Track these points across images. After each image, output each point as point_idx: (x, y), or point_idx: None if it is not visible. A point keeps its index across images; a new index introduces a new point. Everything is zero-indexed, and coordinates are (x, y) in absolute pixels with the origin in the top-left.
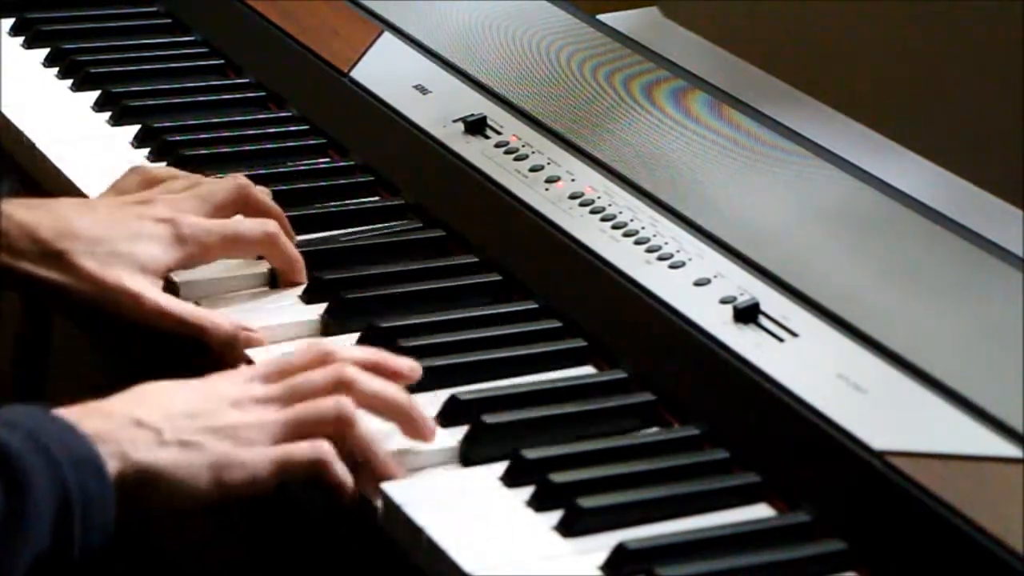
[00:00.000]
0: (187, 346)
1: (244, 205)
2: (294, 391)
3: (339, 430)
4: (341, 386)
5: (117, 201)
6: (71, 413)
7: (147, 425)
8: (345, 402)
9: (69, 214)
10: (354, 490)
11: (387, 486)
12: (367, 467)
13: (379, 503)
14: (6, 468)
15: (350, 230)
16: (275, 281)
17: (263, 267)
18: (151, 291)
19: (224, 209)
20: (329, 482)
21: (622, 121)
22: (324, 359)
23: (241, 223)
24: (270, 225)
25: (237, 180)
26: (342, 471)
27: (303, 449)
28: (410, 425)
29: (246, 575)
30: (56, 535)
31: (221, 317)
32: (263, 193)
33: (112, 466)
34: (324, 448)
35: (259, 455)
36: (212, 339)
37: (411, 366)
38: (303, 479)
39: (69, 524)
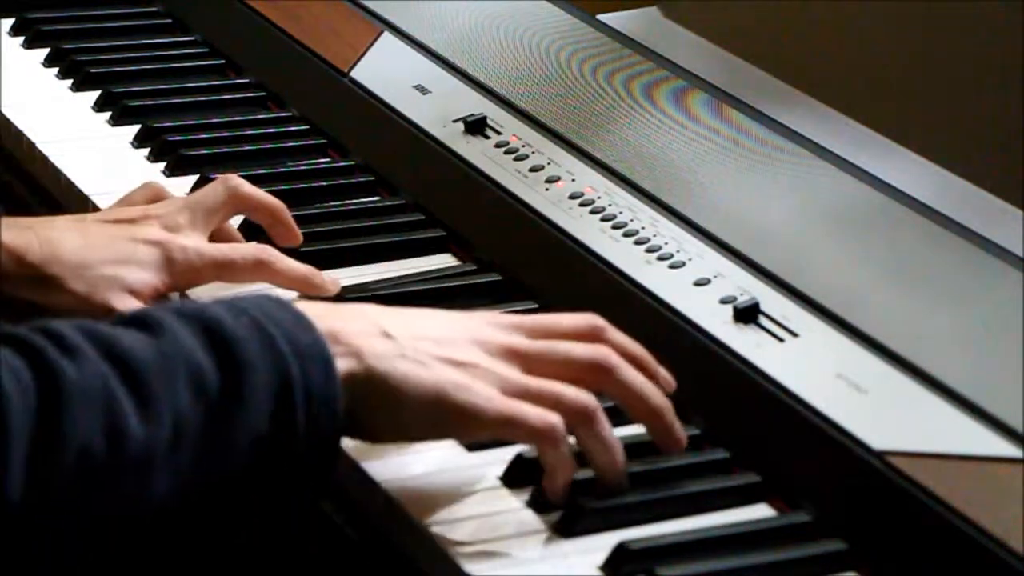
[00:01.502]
0: None
1: (238, 204)
2: (547, 355)
3: (577, 423)
4: (600, 370)
5: (110, 219)
6: (316, 308)
7: (390, 336)
8: (594, 401)
9: (58, 237)
10: (567, 479)
11: (387, 486)
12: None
13: (380, 502)
14: (225, 350)
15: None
16: None
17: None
18: None
19: (217, 215)
20: (549, 459)
21: (622, 121)
22: (594, 333)
23: (235, 250)
24: (265, 253)
25: (226, 181)
26: (562, 458)
27: (538, 416)
28: (662, 431)
29: (245, 574)
30: (276, 423)
31: None
32: (258, 191)
33: (343, 365)
34: (554, 424)
35: (491, 400)
36: None
37: (669, 380)
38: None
39: (291, 413)
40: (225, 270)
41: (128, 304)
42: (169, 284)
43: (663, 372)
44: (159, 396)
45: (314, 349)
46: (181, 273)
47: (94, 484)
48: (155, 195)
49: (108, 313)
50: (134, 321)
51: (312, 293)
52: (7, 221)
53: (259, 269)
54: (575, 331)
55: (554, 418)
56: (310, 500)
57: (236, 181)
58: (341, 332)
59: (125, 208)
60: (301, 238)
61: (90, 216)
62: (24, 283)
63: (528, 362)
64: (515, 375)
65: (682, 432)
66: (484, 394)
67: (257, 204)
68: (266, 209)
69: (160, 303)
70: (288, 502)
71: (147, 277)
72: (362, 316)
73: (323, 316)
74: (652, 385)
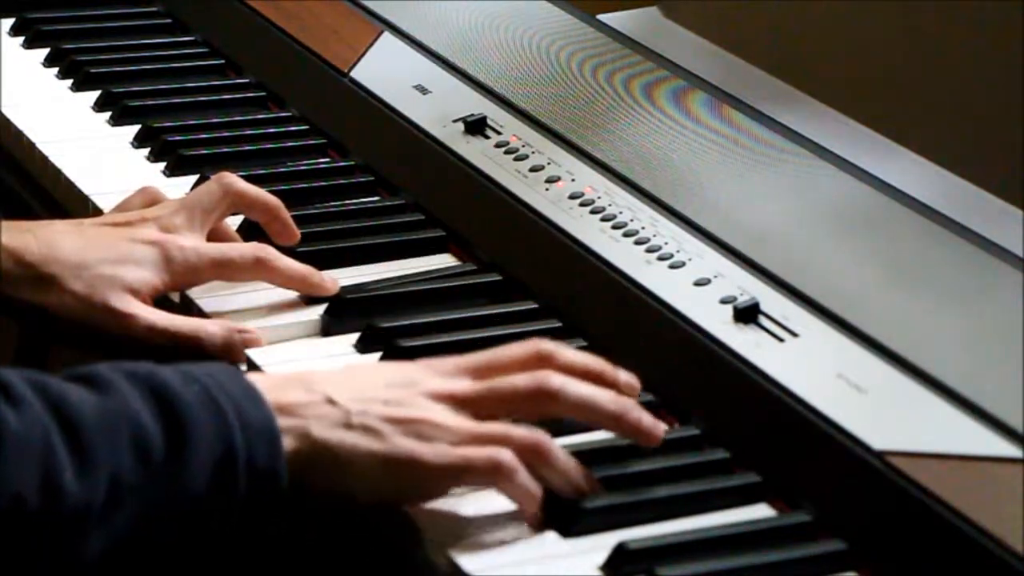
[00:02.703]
0: (184, 357)
1: (234, 201)
2: (492, 394)
3: (530, 460)
4: (544, 396)
5: (107, 222)
6: (265, 381)
7: (337, 404)
8: (542, 436)
9: (56, 238)
10: (536, 506)
11: None
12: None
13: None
14: (172, 417)
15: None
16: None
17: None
18: (141, 309)
19: (214, 212)
20: (510, 494)
21: (622, 121)
22: (540, 359)
23: (233, 249)
24: (263, 251)
25: (221, 179)
26: (527, 481)
27: (484, 458)
28: (631, 431)
29: (245, 574)
30: (216, 493)
31: (213, 325)
32: (254, 188)
33: (290, 442)
34: (503, 459)
35: (440, 456)
36: (208, 348)
37: (632, 383)
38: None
39: (232, 485)
40: (224, 269)
41: (128, 303)
42: (168, 283)
43: (624, 376)
44: (98, 454)
45: (262, 424)
46: (180, 272)
47: (26, 535)
48: (152, 199)
49: (108, 312)
50: (84, 378)
51: (311, 292)
52: (5, 224)
53: (258, 268)
54: (520, 361)
55: (502, 455)
56: (244, 552)
57: (230, 178)
58: (289, 404)
59: (122, 212)
60: (299, 235)
61: (87, 220)
62: (23, 283)
63: (476, 405)
64: (464, 424)
65: (655, 424)
66: (432, 455)
67: (253, 201)
68: (262, 206)
69: (159, 301)
70: (222, 553)
71: (146, 276)
72: (306, 386)
73: (272, 389)
74: (603, 392)
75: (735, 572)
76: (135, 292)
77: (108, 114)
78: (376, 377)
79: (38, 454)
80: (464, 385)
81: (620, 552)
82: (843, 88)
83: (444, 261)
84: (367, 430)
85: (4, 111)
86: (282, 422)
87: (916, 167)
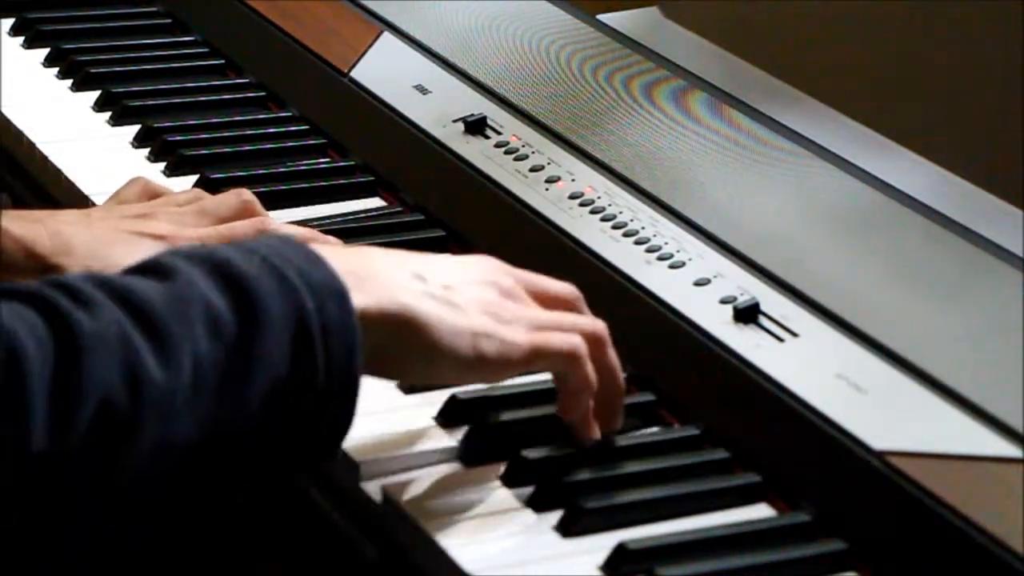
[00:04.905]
0: None
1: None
2: (562, 319)
3: (591, 350)
4: (594, 340)
5: (116, 215)
6: (340, 250)
7: (420, 276)
8: (602, 325)
9: (65, 229)
10: (589, 400)
11: (387, 485)
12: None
13: (379, 502)
14: (238, 290)
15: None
16: None
17: None
18: None
19: (225, 222)
20: (575, 382)
21: (622, 121)
22: (577, 306)
23: (234, 227)
24: (262, 224)
25: (241, 196)
26: (591, 372)
27: (561, 339)
28: (613, 415)
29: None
30: (294, 358)
31: None
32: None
33: (362, 300)
34: (579, 343)
35: (519, 335)
36: None
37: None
38: (551, 368)
39: (309, 347)
40: None
41: None
42: None
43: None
44: (177, 340)
45: (327, 284)
46: None
47: (117, 432)
48: (146, 190)
49: None
50: (146, 268)
51: None
52: (15, 213)
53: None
54: (565, 299)
55: (576, 339)
56: (330, 440)
57: (250, 196)
58: (366, 271)
59: (131, 205)
60: None
61: (94, 212)
62: (32, 274)
63: (538, 302)
64: (539, 312)
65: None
66: (511, 333)
67: (266, 224)
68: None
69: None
70: (308, 440)
71: None
72: (381, 256)
73: (344, 256)
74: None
75: (735, 572)
76: None
77: (108, 114)
78: (454, 265)
79: (119, 350)
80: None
81: (620, 552)
82: (843, 88)
83: None
84: (449, 304)
85: (4, 111)
86: (358, 283)
87: (916, 167)
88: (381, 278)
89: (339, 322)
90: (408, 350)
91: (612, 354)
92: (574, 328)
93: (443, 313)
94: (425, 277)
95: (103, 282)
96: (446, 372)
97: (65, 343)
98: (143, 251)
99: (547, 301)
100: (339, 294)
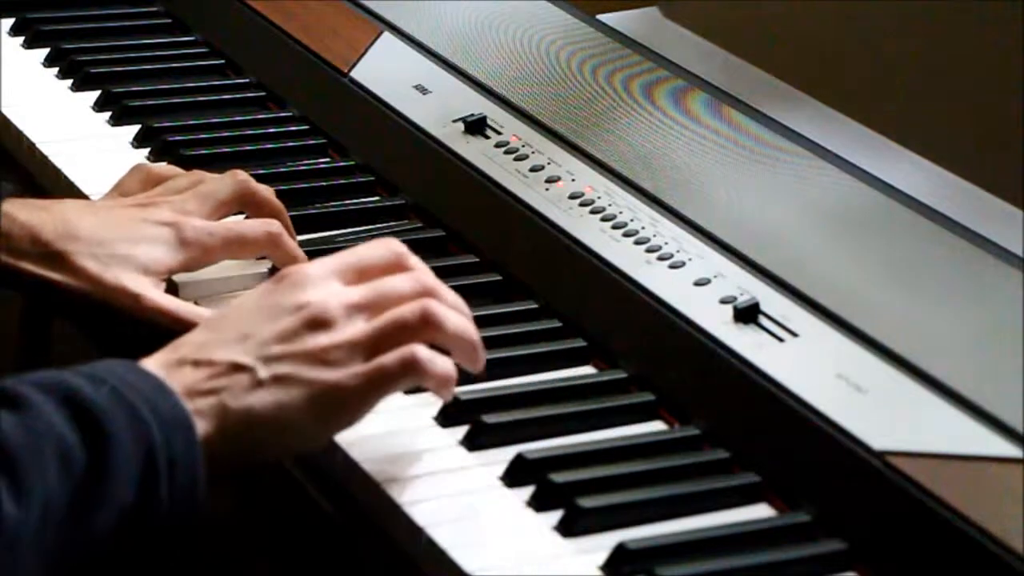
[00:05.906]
0: None
1: (246, 202)
2: (380, 298)
3: (427, 337)
4: (424, 308)
5: (120, 203)
6: (160, 364)
7: (242, 366)
8: (430, 304)
9: (71, 216)
10: (452, 383)
11: (387, 486)
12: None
13: (380, 502)
14: (89, 423)
15: (349, 230)
16: None
17: (263, 266)
18: (151, 291)
19: (226, 207)
20: (429, 382)
21: (622, 121)
22: (400, 262)
23: (243, 224)
24: (273, 226)
25: (237, 177)
26: (441, 364)
27: (396, 361)
28: (473, 352)
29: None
30: (140, 493)
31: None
32: (266, 190)
33: (206, 423)
34: (415, 351)
35: (353, 376)
36: None
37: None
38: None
39: (155, 480)
40: (236, 246)
41: (138, 283)
42: (181, 263)
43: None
44: (31, 476)
45: (175, 415)
46: (193, 252)
47: None
48: (148, 177)
49: (120, 292)
50: None
51: None
52: (21, 201)
53: (269, 244)
54: (383, 264)
55: (410, 351)
56: (170, 554)
57: (244, 176)
58: (194, 384)
59: (134, 196)
60: (296, 242)
61: (99, 201)
62: (37, 259)
63: (366, 312)
64: (360, 330)
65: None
66: (345, 377)
67: (262, 201)
68: (270, 209)
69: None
70: (149, 548)
71: (160, 256)
72: (203, 354)
73: (172, 373)
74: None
75: (735, 572)
76: (148, 272)
77: (108, 114)
78: (258, 312)
79: None
80: (347, 293)
81: (620, 552)
82: (843, 88)
83: (444, 262)
84: (279, 380)
85: (4, 111)
86: (196, 404)
87: (916, 167)
88: (208, 385)
89: (184, 455)
90: (266, 443)
91: (447, 320)
92: (404, 325)
93: (280, 396)
94: (242, 362)
95: None
96: (297, 447)
97: None
98: (151, 234)
99: (373, 275)
100: (185, 427)
